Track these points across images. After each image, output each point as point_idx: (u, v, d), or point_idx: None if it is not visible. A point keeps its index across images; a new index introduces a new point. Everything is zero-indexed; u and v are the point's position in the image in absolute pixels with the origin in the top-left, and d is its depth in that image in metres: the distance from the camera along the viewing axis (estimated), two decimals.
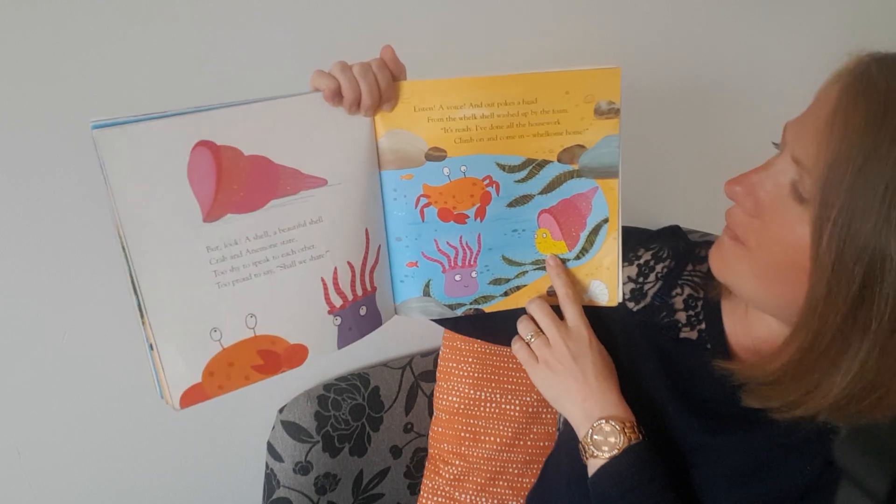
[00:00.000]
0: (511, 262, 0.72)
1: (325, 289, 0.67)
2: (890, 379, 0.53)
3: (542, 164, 0.68)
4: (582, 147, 0.67)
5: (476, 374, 1.10)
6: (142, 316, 0.58)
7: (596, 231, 0.70)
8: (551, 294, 0.73)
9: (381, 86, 0.63)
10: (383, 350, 1.18)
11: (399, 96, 0.65)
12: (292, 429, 1.06)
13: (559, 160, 0.68)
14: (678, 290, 0.74)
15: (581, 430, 0.67)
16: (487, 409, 1.10)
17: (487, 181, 0.68)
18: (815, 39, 1.20)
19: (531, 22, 1.06)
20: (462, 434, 1.10)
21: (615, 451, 0.64)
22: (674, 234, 0.79)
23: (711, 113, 1.23)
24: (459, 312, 0.73)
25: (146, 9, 0.86)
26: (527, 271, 0.73)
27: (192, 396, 0.61)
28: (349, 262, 0.68)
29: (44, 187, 0.87)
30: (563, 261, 0.72)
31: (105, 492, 1.06)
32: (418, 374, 1.18)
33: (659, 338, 0.72)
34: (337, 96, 0.62)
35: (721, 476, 0.65)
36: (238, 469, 1.14)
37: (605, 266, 0.72)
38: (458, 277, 0.71)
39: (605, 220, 0.70)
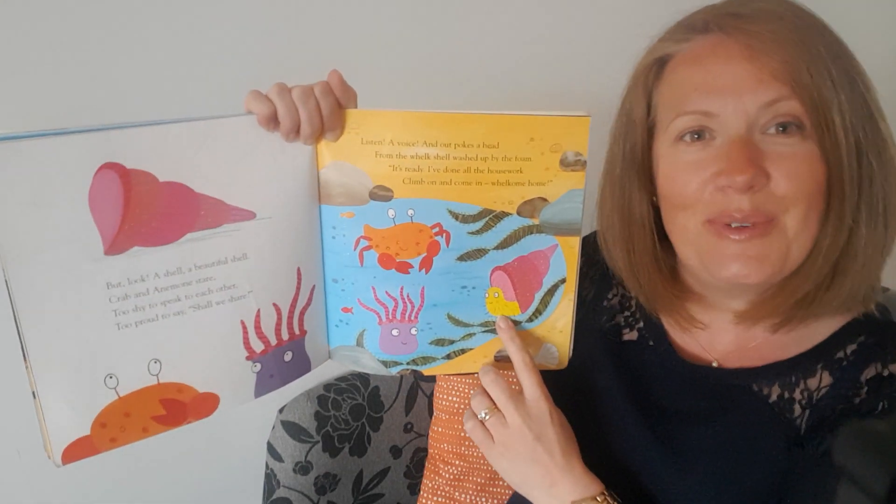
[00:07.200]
0: (457, 322, 0.65)
1: (245, 333, 0.60)
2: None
3: (501, 216, 0.61)
4: (544, 200, 0.61)
5: (476, 374, 1.04)
6: (24, 359, 0.51)
7: (552, 292, 0.64)
8: (499, 359, 0.67)
9: (324, 113, 0.56)
10: None
11: (346, 125, 0.58)
12: (292, 429, 1.04)
13: (519, 213, 0.61)
14: (613, 291, 0.74)
15: None
16: None
17: (437, 229, 0.61)
18: None
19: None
20: (462, 434, 1.06)
21: None
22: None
23: None
24: (394, 372, 0.67)
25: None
26: (474, 333, 0.66)
27: (78, 451, 0.54)
28: (275, 304, 0.61)
29: None
30: (515, 323, 0.65)
31: (105, 492, 1.02)
32: None
33: (607, 343, 0.71)
34: (272, 121, 0.56)
35: (695, 484, 0.62)
36: (238, 469, 1.11)
37: (558, 329, 0.65)
38: (395, 332, 0.64)
39: (563, 281, 0.64)
